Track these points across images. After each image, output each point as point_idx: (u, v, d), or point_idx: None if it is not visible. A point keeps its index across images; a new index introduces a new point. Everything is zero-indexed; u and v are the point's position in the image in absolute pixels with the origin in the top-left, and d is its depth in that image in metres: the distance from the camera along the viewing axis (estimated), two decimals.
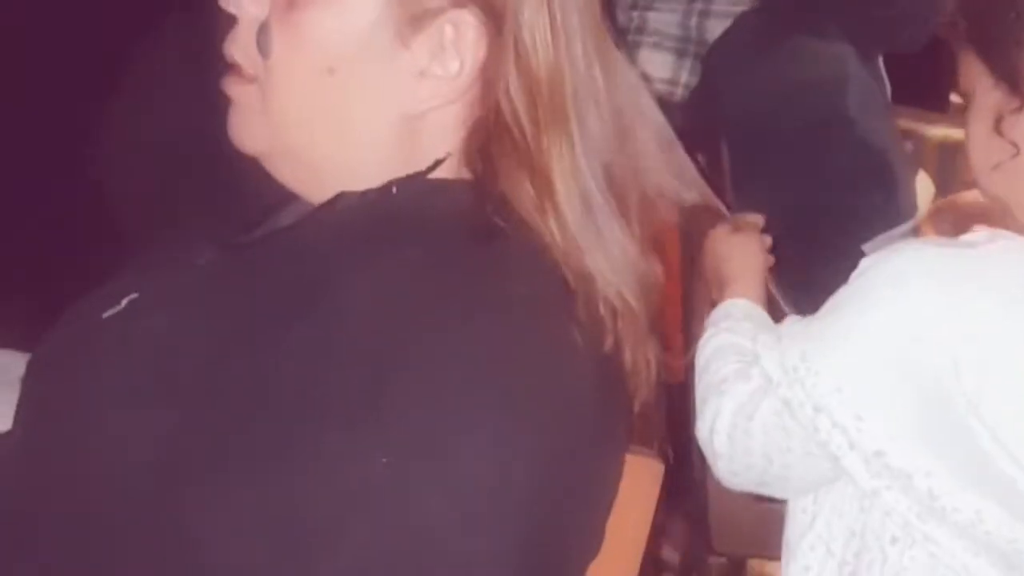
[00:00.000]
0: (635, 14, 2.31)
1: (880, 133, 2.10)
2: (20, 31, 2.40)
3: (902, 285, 1.14)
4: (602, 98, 1.04)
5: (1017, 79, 1.18)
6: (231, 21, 1.05)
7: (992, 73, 1.20)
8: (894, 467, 1.12)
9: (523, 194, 1.00)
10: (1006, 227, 1.20)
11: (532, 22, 1.00)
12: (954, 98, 1.91)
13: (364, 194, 1.02)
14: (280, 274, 0.99)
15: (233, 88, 1.05)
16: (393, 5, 1.00)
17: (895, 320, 1.13)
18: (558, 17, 1.00)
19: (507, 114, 1.00)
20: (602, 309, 1.01)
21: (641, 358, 1.04)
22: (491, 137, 1.01)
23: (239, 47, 1.04)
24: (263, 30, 1.02)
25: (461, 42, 1.00)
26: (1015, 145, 1.19)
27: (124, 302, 1.06)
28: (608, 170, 1.03)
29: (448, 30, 1.00)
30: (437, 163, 1.03)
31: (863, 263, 1.19)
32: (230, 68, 1.05)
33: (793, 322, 1.25)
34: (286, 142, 1.04)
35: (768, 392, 1.19)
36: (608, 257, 1.01)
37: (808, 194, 2.03)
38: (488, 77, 1.01)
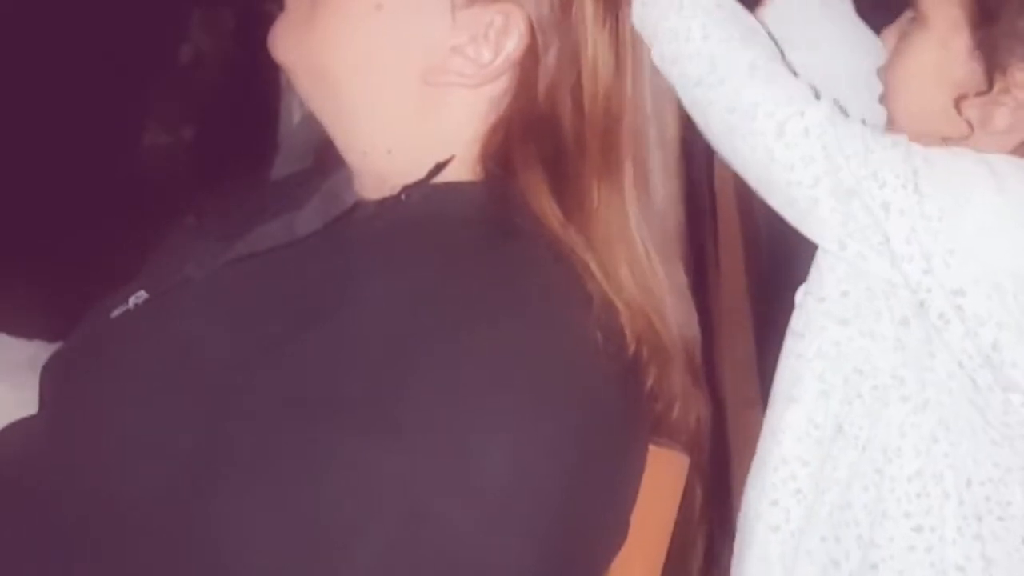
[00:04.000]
0: None
1: None
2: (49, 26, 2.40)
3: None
4: (668, 136, 1.05)
5: (996, 60, 1.07)
6: None
7: (972, 36, 1.09)
8: (967, 311, 1.06)
9: (546, 207, 1.00)
10: None
11: (594, 44, 1.01)
12: None
13: (381, 202, 1.02)
14: (301, 280, 1.00)
15: None
16: None
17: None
18: (627, 49, 1.02)
19: (547, 124, 1.01)
20: (622, 319, 1.00)
21: (664, 385, 1.04)
22: (516, 140, 1.01)
23: None
24: None
25: (503, 35, 1.00)
26: (971, 126, 1.09)
27: (131, 301, 1.07)
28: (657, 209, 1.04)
29: (497, 20, 1.00)
30: (444, 164, 1.03)
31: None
32: None
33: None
34: (317, 60, 1.05)
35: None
36: (641, 286, 1.01)
37: None
38: (523, 80, 1.02)
